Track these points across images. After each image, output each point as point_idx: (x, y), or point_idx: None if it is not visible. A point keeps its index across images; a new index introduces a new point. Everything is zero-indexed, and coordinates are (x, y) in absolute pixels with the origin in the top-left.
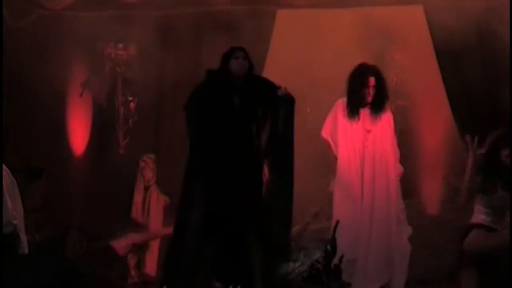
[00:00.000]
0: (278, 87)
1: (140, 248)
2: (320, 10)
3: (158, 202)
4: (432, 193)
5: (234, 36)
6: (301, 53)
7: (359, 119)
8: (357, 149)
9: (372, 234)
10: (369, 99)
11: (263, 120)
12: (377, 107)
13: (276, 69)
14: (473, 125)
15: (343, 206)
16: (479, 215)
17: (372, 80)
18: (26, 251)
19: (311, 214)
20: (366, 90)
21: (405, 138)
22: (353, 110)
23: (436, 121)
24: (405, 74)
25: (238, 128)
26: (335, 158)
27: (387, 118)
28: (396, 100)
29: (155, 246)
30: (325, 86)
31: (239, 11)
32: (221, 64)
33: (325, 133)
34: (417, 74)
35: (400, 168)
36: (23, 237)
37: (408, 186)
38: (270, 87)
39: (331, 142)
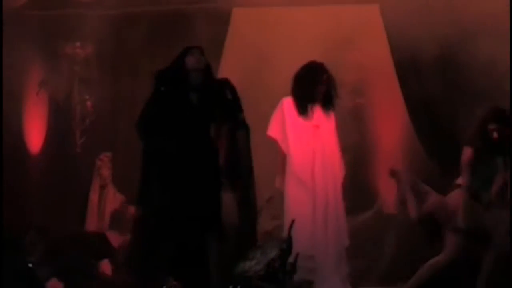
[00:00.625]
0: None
1: None
2: (276, 8)
3: (114, 200)
4: (389, 190)
5: (189, 34)
6: (257, 52)
7: (309, 116)
8: (309, 146)
9: (328, 229)
10: (321, 96)
11: (222, 123)
12: (327, 104)
13: (231, 67)
14: (429, 124)
15: (297, 203)
16: (465, 177)
17: (325, 77)
18: None
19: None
20: (319, 87)
21: (363, 135)
22: (304, 107)
23: (393, 119)
24: (363, 73)
25: (196, 128)
26: (283, 157)
27: (332, 117)
28: (355, 98)
29: None
30: (281, 84)
31: (194, 9)
32: (176, 63)
33: (273, 132)
34: (374, 72)
35: (344, 170)
36: None
37: (365, 182)
38: (225, 91)
39: (279, 141)
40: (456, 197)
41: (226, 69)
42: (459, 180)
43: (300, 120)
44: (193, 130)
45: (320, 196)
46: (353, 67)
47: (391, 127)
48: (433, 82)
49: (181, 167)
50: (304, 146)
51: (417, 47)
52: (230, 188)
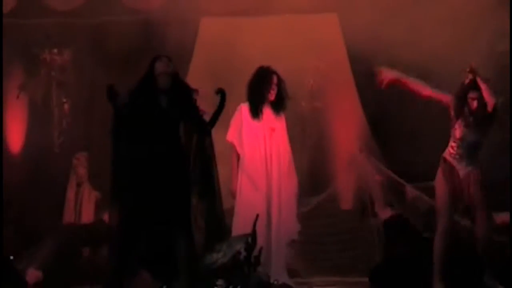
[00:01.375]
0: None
1: None
2: (240, 17)
3: (90, 197)
4: (346, 188)
5: (160, 42)
6: (223, 59)
7: (262, 118)
8: (262, 147)
9: (280, 226)
10: (272, 97)
11: (190, 125)
12: (278, 105)
13: (200, 74)
14: (382, 123)
15: (250, 203)
16: (450, 149)
17: (275, 78)
18: None
19: None
20: (270, 88)
21: (321, 137)
22: (256, 110)
23: (350, 122)
24: (321, 78)
25: (166, 128)
26: (237, 157)
27: (283, 118)
28: (313, 102)
29: None
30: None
31: (165, 19)
32: (147, 70)
33: (231, 137)
34: (332, 78)
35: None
36: None
37: (324, 181)
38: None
39: (236, 144)
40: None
41: (195, 76)
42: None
43: (255, 123)
44: (163, 130)
45: (274, 195)
46: (313, 73)
47: (349, 127)
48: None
49: (151, 168)
50: (258, 148)
51: (372, 53)
52: (198, 192)
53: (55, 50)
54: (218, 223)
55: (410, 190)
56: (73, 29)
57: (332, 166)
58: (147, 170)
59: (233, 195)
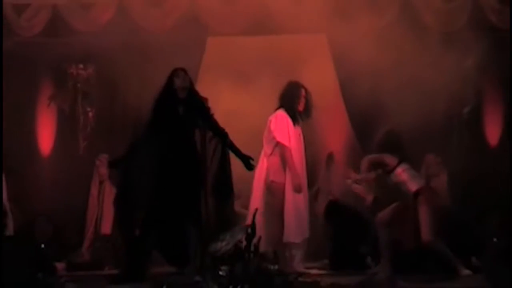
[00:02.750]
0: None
1: None
2: (242, 37)
3: (110, 193)
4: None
5: (171, 59)
6: (228, 75)
7: (297, 125)
8: (301, 151)
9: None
10: (301, 108)
11: (204, 127)
12: (305, 115)
13: (206, 89)
14: (366, 130)
15: (295, 205)
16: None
17: (303, 91)
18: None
19: None
20: (299, 100)
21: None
22: (295, 117)
23: (337, 129)
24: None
25: (183, 132)
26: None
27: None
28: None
29: None
30: (250, 104)
31: (176, 38)
32: (166, 83)
33: (282, 139)
34: (322, 91)
35: None
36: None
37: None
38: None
39: (286, 145)
40: None
41: (201, 91)
42: None
43: (294, 129)
44: (180, 135)
45: (305, 195)
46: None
47: (336, 134)
48: (371, 99)
49: (169, 169)
50: (299, 151)
51: (358, 70)
52: (214, 191)
53: (81, 65)
54: (229, 220)
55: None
56: (95, 47)
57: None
58: (166, 170)
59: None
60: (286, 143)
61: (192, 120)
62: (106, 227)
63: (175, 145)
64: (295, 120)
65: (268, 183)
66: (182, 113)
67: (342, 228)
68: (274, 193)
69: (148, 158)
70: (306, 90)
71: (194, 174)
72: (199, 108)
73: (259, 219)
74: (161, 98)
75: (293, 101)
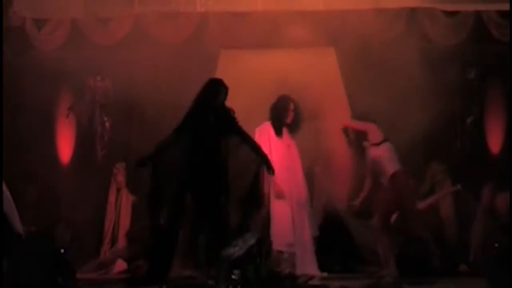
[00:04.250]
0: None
1: None
2: (253, 50)
3: (127, 200)
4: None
5: (186, 71)
6: (239, 86)
7: (282, 137)
8: (285, 161)
9: (303, 225)
10: (289, 121)
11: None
12: (294, 127)
13: None
14: None
15: (280, 211)
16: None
17: (292, 105)
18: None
19: None
20: (287, 113)
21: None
22: (279, 130)
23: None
24: (318, 102)
25: (212, 141)
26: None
27: (294, 138)
28: (313, 120)
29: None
30: (258, 113)
31: (190, 51)
32: (207, 93)
33: (267, 151)
34: (328, 100)
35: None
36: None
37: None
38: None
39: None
40: None
41: None
42: None
43: (278, 140)
44: (209, 142)
45: (296, 202)
46: (313, 99)
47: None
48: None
49: (194, 171)
50: (282, 161)
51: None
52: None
53: (98, 78)
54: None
55: None
56: (112, 60)
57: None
58: (190, 173)
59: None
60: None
61: (221, 129)
62: (123, 232)
63: (201, 150)
64: (279, 132)
65: None
66: (213, 122)
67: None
68: None
69: (174, 160)
70: (295, 103)
71: (218, 179)
72: (227, 117)
73: None
74: (195, 106)
75: (281, 114)
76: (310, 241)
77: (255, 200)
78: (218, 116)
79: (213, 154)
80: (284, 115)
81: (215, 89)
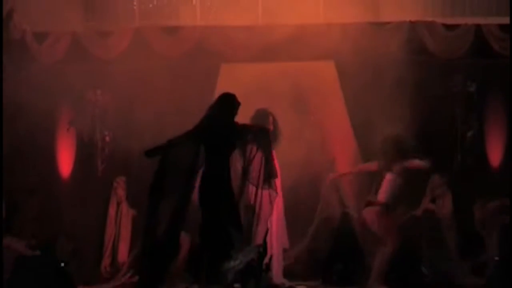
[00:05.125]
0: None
1: None
2: (253, 63)
3: (127, 214)
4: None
5: (187, 84)
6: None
7: None
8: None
9: (277, 238)
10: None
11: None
12: (273, 139)
13: None
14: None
15: None
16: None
17: (271, 118)
18: None
19: None
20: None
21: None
22: None
23: (345, 146)
24: (320, 113)
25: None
26: None
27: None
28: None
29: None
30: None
31: (192, 65)
32: (225, 108)
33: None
34: (328, 113)
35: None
36: None
37: None
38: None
39: None
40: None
41: None
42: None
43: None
44: (232, 149)
45: (277, 213)
46: (314, 108)
47: (345, 160)
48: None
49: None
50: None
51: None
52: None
53: (99, 91)
54: None
55: None
56: (113, 74)
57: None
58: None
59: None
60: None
61: (247, 134)
62: (123, 247)
63: (212, 162)
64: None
65: None
66: (238, 127)
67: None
68: None
69: (183, 158)
70: (273, 117)
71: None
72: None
73: None
74: (209, 118)
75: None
76: (281, 252)
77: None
78: (229, 130)
79: (223, 166)
80: None
81: (229, 104)
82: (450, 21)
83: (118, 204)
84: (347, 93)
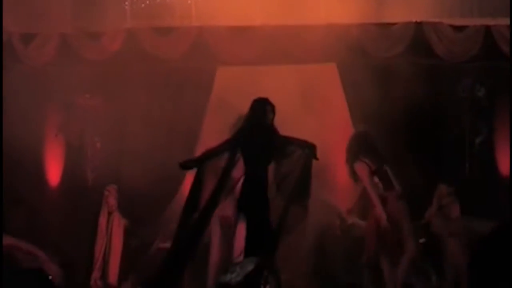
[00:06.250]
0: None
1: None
2: (250, 67)
3: (119, 224)
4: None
5: (183, 87)
6: (236, 101)
7: None
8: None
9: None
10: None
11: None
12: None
13: (216, 113)
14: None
15: None
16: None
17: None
18: None
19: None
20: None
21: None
22: None
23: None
24: (322, 113)
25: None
26: None
27: None
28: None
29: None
30: None
31: (188, 68)
32: (257, 115)
33: None
34: (330, 117)
35: None
36: None
37: None
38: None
39: None
40: None
41: (212, 120)
42: None
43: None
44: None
45: None
46: (314, 111)
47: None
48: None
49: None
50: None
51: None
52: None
53: (88, 95)
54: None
55: None
56: (104, 77)
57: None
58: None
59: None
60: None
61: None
62: (115, 258)
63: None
64: None
65: None
66: (264, 144)
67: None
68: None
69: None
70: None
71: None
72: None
73: None
74: (247, 125)
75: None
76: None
77: (304, 192)
78: (268, 137)
79: (262, 176)
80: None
81: (261, 108)
82: (458, 22)
83: (110, 214)
84: (350, 97)
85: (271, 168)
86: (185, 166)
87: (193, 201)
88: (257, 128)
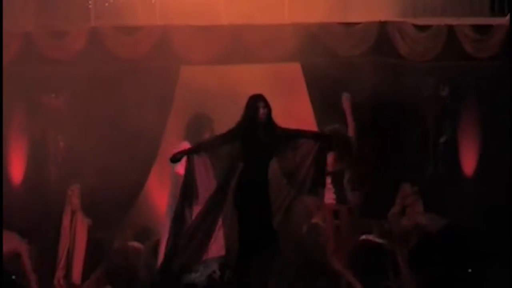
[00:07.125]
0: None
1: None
2: (214, 66)
3: (82, 223)
4: None
5: (146, 87)
6: (200, 101)
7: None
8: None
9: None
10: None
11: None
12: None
13: (180, 112)
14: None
15: None
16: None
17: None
18: None
19: None
20: (206, 131)
21: None
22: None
23: None
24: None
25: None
26: None
27: None
28: None
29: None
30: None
31: (151, 67)
32: (250, 112)
33: (181, 171)
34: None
35: None
36: None
37: None
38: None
39: None
40: None
41: (176, 114)
42: None
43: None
44: (260, 160)
45: None
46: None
47: None
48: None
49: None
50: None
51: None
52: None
53: (53, 95)
54: None
55: None
56: (68, 76)
57: None
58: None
59: None
60: (180, 172)
61: (275, 143)
62: (79, 257)
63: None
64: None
65: None
66: (263, 138)
67: None
68: None
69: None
70: (211, 120)
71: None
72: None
73: None
74: (243, 124)
75: (198, 132)
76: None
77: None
78: (267, 132)
79: (261, 169)
80: (201, 133)
81: (253, 105)
82: (421, 21)
83: (73, 213)
84: (314, 97)
85: (276, 162)
86: (174, 159)
87: (187, 194)
88: (251, 124)
